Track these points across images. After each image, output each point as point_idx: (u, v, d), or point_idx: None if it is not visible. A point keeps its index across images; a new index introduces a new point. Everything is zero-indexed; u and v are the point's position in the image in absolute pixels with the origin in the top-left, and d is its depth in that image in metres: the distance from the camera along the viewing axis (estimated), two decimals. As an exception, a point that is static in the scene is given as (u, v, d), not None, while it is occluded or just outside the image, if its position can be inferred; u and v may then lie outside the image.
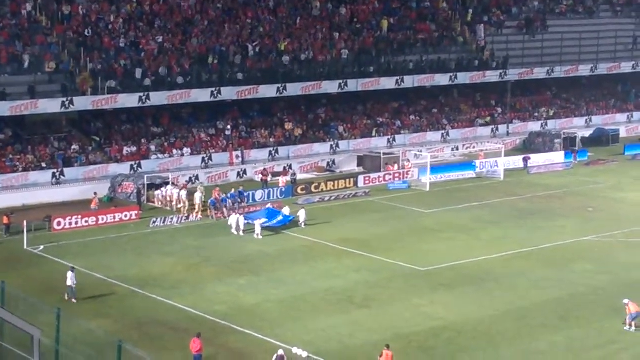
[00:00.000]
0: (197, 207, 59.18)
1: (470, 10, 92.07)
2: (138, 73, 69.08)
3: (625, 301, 40.98)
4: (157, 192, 62.17)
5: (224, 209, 58.96)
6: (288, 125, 76.99)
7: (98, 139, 69.08)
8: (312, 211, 58.77)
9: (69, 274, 43.24)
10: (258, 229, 54.62)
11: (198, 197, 59.61)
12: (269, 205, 58.26)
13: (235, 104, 74.74)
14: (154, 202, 61.93)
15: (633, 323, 40.44)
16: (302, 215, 57.03)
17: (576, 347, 38.57)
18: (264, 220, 55.59)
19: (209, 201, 59.25)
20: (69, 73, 66.87)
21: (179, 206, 59.84)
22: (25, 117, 65.51)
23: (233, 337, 39.20)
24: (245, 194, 62.08)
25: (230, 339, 38.99)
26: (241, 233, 55.00)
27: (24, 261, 49.70)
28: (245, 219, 55.72)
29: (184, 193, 60.11)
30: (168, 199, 60.91)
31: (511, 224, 58.41)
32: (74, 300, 42.82)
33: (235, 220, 55.63)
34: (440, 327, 40.56)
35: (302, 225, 56.65)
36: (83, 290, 43.46)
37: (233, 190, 61.32)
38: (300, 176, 69.85)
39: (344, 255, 51.23)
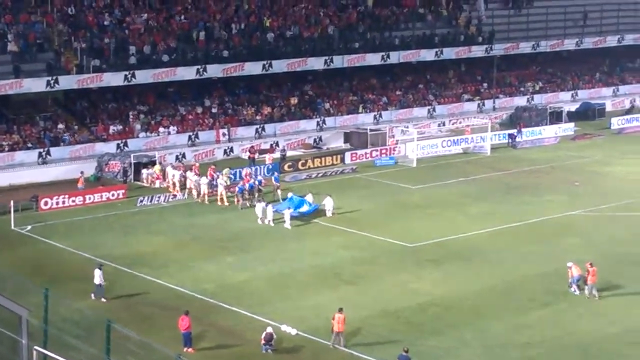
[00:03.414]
0: (219, 194, 56.50)
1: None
2: (124, 51, 68.73)
3: (569, 264, 41.69)
4: (173, 173, 59.70)
5: (252, 197, 55.94)
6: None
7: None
8: (299, 188, 58.45)
9: (97, 272, 40.49)
10: (288, 219, 52.09)
11: (221, 183, 56.92)
12: (290, 194, 55.10)
13: (221, 82, 74.58)
14: (141, 181, 61.77)
15: (576, 286, 41.18)
16: (328, 203, 54.07)
17: (563, 320, 38.78)
18: (292, 210, 52.86)
19: (237, 188, 56.38)
20: (54, 52, 66.54)
21: (194, 190, 57.70)
22: (10, 97, 65.20)
23: (222, 315, 39.25)
24: (279, 180, 59.21)
25: (219, 317, 39.05)
26: (271, 223, 52.25)
27: (11, 241, 49.58)
28: (273, 209, 53.17)
29: (204, 180, 57.69)
30: (189, 185, 58.27)
31: (498, 199, 58.49)
32: (103, 299, 40.42)
33: (261, 209, 52.81)
34: (428, 302, 40.69)
35: (329, 214, 53.75)
36: (70, 270, 43.35)
37: (260, 177, 58.96)
38: (287, 153, 69.74)
39: (331, 232, 51.24)
